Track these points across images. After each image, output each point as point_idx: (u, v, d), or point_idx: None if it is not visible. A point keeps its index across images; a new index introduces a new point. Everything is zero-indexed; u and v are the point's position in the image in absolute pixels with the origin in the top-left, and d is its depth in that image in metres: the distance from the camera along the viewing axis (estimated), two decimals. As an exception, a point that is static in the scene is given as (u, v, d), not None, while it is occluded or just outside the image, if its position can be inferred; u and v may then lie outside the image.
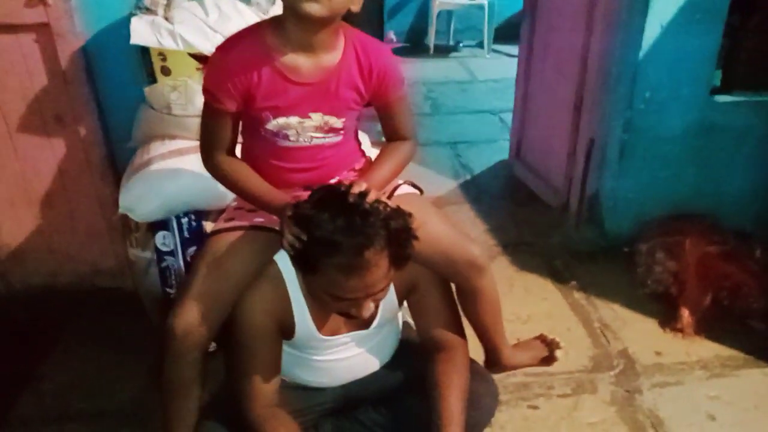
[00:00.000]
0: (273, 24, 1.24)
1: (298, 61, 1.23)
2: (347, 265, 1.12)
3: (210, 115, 1.29)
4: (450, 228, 1.40)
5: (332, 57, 1.26)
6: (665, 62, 2.22)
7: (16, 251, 2.23)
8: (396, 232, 1.16)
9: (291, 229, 1.15)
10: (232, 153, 1.34)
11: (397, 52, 5.84)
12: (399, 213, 1.19)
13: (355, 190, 1.16)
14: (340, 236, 1.10)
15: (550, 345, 1.63)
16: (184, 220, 1.74)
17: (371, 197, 1.16)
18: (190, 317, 1.26)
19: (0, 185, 2.11)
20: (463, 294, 1.46)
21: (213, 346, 1.43)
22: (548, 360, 1.64)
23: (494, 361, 1.58)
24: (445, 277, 1.42)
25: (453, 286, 1.47)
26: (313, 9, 1.12)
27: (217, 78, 1.23)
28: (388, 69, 1.31)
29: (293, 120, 1.28)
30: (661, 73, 2.25)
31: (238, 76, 1.21)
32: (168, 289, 1.81)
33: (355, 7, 1.20)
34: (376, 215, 1.14)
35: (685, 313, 2.12)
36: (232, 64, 1.22)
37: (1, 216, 2.17)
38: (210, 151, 1.32)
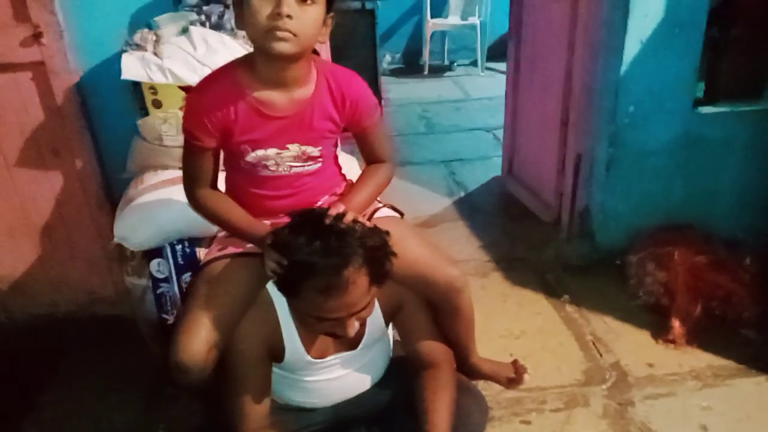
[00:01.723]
0: (245, 62, 1.29)
1: (272, 96, 1.28)
2: (326, 286, 1.15)
3: (191, 152, 1.33)
4: (428, 249, 1.43)
5: (305, 90, 1.30)
6: (647, 77, 2.26)
7: (16, 282, 2.27)
8: (373, 249, 1.19)
9: (271, 256, 1.19)
10: (214, 186, 1.38)
11: (393, 73, 5.95)
12: (375, 231, 1.22)
13: (332, 212, 1.20)
14: (318, 258, 1.14)
15: (519, 369, 1.65)
16: (178, 247, 1.77)
17: (348, 218, 1.20)
18: (195, 348, 1.26)
19: (-1, 218, 2.17)
20: (441, 312, 1.49)
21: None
22: (514, 382, 1.65)
23: (461, 363, 1.59)
24: (423, 296, 1.45)
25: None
26: (283, 48, 1.17)
27: (195, 117, 1.28)
28: (360, 97, 1.35)
29: (271, 152, 1.32)
30: (643, 88, 2.28)
31: (215, 114, 1.26)
32: (164, 315, 1.85)
33: (323, 39, 1.25)
34: (352, 235, 1.17)
35: (677, 324, 2.13)
36: (209, 103, 1.26)
37: (1, 247, 2.21)
38: (192, 186, 1.37)
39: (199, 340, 1.26)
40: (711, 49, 2.31)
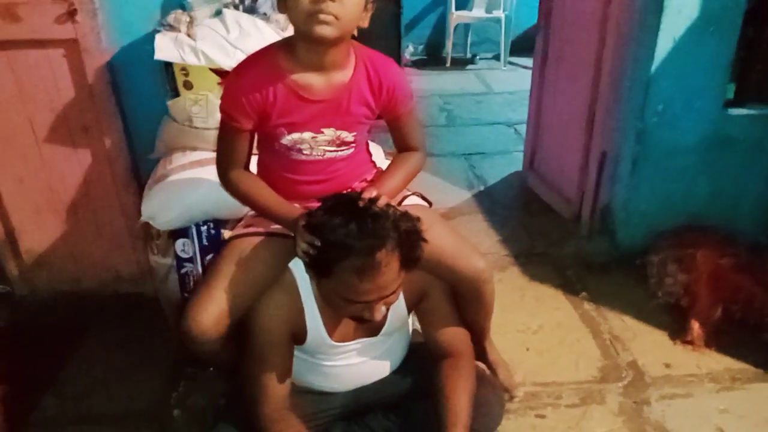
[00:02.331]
0: (285, 45, 1.29)
1: (311, 80, 1.29)
2: (360, 267, 1.16)
3: (227, 133, 1.34)
4: (456, 239, 1.43)
5: (343, 75, 1.31)
6: (678, 75, 2.24)
7: (41, 257, 2.30)
8: (406, 233, 1.21)
9: (305, 237, 1.20)
10: (247, 168, 1.40)
11: (415, 64, 5.92)
12: (408, 216, 1.24)
13: (366, 195, 1.21)
14: (353, 239, 1.15)
15: (512, 390, 1.76)
16: (203, 228, 1.79)
17: (381, 202, 1.21)
18: (204, 320, 1.29)
19: (27, 193, 2.19)
20: (464, 299, 1.50)
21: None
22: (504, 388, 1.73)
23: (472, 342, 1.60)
24: (449, 283, 1.46)
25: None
26: (325, 31, 1.18)
27: (234, 99, 1.29)
28: (397, 84, 1.35)
29: (307, 135, 1.33)
30: (673, 86, 2.26)
31: (254, 96, 1.27)
32: (186, 295, 1.87)
33: (364, 23, 1.26)
34: (386, 218, 1.19)
35: (696, 326, 2.12)
36: (248, 85, 1.27)
37: (28, 223, 2.24)
38: (226, 167, 1.38)
39: (208, 313, 1.29)
40: (744, 49, 2.28)
